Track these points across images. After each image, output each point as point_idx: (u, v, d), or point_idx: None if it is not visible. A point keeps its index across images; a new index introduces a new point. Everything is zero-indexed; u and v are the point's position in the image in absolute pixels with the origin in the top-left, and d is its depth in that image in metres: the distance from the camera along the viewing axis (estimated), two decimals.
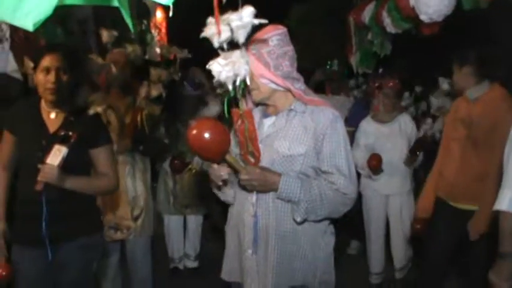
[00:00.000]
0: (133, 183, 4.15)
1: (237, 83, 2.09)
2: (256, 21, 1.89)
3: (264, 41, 2.49)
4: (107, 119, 4.05)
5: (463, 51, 3.89)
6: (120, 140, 4.06)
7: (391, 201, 5.01)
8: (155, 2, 1.34)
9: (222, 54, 2.08)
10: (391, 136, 4.84)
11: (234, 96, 2.52)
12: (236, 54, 2.09)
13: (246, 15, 1.90)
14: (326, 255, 2.66)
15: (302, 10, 10.23)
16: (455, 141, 3.93)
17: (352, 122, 5.58)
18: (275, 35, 2.50)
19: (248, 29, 1.92)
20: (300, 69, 2.61)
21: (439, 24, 4.45)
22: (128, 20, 1.43)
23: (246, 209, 2.65)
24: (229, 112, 2.58)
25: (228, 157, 2.49)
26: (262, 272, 2.60)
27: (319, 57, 8.94)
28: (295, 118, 2.59)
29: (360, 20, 6.23)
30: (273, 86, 2.53)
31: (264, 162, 2.54)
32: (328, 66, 7.19)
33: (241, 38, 1.94)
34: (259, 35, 2.48)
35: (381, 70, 5.37)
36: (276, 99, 2.61)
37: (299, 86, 2.55)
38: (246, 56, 2.13)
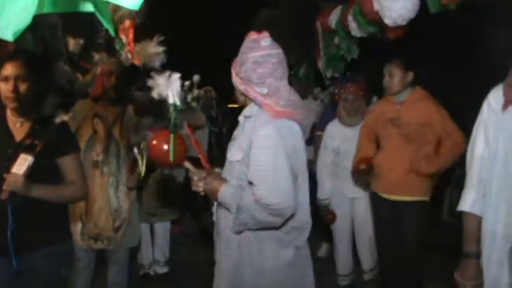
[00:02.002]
0: (116, 194, 4.12)
1: (170, 101, 2.36)
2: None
3: (241, 48, 2.65)
4: (94, 128, 4.03)
5: (406, 57, 4.27)
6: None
7: (357, 204, 5.06)
8: (124, 8, 1.36)
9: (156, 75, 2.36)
10: (356, 139, 4.84)
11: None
12: (163, 77, 2.48)
13: (152, 44, 2.13)
14: (276, 265, 2.61)
15: (269, 14, 10.22)
16: (386, 140, 4.32)
17: (321, 126, 5.63)
18: (246, 41, 2.63)
19: (161, 57, 2.15)
20: None
21: (404, 28, 4.50)
22: (107, 25, 1.43)
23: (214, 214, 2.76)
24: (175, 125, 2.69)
25: (186, 163, 2.70)
26: (217, 275, 2.75)
27: (287, 60, 8.96)
28: (246, 124, 2.65)
29: (327, 24, 6.27)
30: (240, 88, 2.63)
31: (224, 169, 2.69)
32: (292, 72, 7.17)
33: (156, 63, 2.15)
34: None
35: (348, 74, 5.40)
36: (247, 102, 2.69)
37: (261, 90, 2.56)
38: (171, 81, 2.48)
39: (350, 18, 5.24)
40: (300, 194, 2.60)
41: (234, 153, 2.65)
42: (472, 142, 2.56)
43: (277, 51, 2.62)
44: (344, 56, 6.12)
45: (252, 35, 2.65)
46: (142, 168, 4.02)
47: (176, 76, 2.55)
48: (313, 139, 5.87)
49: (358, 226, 5.14)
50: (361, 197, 4.93)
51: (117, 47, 4.98)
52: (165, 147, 2.60)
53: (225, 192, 2.56)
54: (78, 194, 3.17)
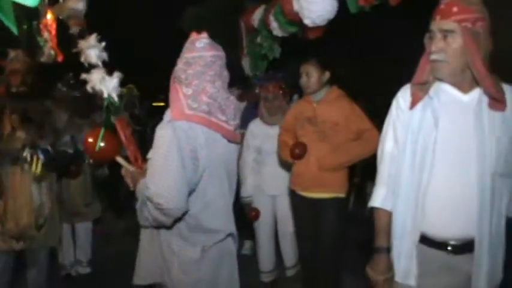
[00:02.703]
0: (38, 191, 4.03)
1: (105, 95, 2.42)
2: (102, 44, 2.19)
3: None
4: (12, 124, 3.94)
5: (324, 55, 4.37)
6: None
7: (279, 202, 5.11)
8: (45, 3, 1.36)
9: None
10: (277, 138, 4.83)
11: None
12: (97, 72, 2.63)
13: (92, 39, 2.21)
14: (181, 263, 2.64)
15: (195, 12, 10.18)
16: (303, 138, 4.33)
17: (243, 124, 5.65)
18: (187, 42, 2.67)
19: (97, 50, 2.23)
20: None
21: (323, 28, 4.57)
22: (9, 24, 1.41)
23: None
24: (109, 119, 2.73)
25: (118, 158, 2.86)
26: (138, 266, 2.84)
27: None
28: None
29: (250, 23, 6.29)
30: (171, 86, 2.67)
31: None
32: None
33: (93, 58, 2.22)
34: None
35: (270, 73, 5.44)
36: None
37: (186, 90, 2.58)
38: (104, 76, 2.61)
39: (271, 18, 5.28)
40: (208, 195, 2.65)
41: (150, 151, 2.66)
42: (382, 140, 2.66)
43: (212, 53, 2.63)
44: (266, 55, 6.15)
45: (192, 36, 2.68)
46: (37, 170, 3.97)
47: (117, 74, 2.68)
48: None
49: (280, 223, 5.20)
50: (283, 195, 4.97)
51: (41, 43, 4.87)
52: (101, 144, 2.77)
53: (139, 187, 2.65)
54: None
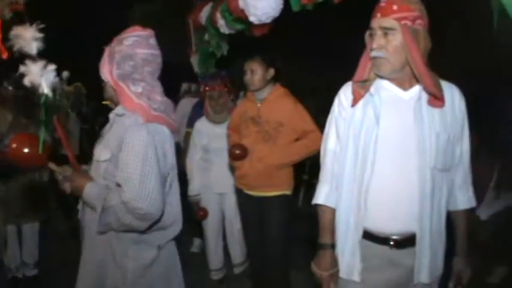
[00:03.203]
0: None
1: (44, 90, 2.31)
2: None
3: (120, 40, 2.56)
4: None
5: (269, 53, 4.31)
6: None
7: (227, 200, 5.13)
8: None
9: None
10: (224, 136, 4.81)
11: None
12: (37, 65, 2.47)
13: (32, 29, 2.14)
14: (137, 266, 2.57)
15: (144, 10, 10.12)
16: (246, 138, 4.31)
17: (190, 123, 5.64)
18: (132, 36, 2.54)
19: (35, 39, 2.16)
20: None
21: (269, 25, 4.58)
22: None
23: None
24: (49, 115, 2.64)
25: (50, 164, 2.64)
26: (82, 272, 2.71)
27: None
28: (116, 122, 2.59)
29: (198, 21, 6.28)
30: (112, 83, 2.55)
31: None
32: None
33: (30, 48, 2.15)
34: (121, 33, 2.59)
35: (214, 71, 5.42)
36: (117, 98, 2.61)
37: (135, 88, 2.51)
38: (44, 70, 2.47)
39: (218, 15, 5.28)
40: (170, 194, 2.62)
41: (100, 152, 2.57)
42: (325, 137, 2.68)
43: (159, 52, 2.60)
44: (214, 53, 6.14)
45: (137, 30, 2.58)
46: None
47: (51, 67, 2.51)
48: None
49: (228, 221, 5.22)
50: (230, 193, 4.98)
51: None
52: (26, 150, 2.58)
53: (89, 191, 2.51)
54: None
